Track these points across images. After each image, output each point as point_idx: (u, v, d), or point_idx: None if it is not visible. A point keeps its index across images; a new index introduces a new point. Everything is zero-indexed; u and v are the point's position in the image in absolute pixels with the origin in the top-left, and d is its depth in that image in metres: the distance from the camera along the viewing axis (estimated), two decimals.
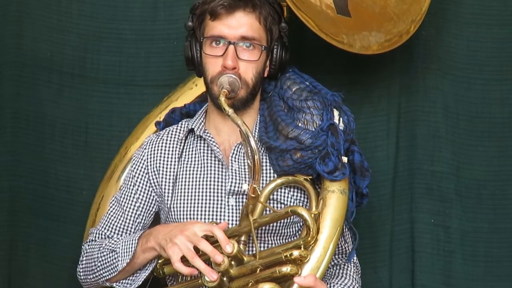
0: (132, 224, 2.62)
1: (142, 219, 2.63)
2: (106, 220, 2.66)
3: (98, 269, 2.56)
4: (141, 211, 2.62)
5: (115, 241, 2.56)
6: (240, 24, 2.46)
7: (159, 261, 2.50)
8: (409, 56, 2.98)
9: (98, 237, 2.64)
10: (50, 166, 3.10)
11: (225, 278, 2.36)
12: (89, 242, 2.66)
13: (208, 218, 2.52)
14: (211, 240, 2.34)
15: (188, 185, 2.57)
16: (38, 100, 3.10)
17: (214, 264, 2.31)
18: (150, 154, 2.63)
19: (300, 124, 2.46)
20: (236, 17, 2.46)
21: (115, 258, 2.51)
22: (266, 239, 2.52)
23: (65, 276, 3.06)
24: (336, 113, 2.49)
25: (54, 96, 3.10)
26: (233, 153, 2.54)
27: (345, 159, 2.46)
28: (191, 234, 2.34)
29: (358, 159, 2.51)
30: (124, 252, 2.50)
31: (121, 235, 2.61)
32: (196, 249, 2.33)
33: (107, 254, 2.54)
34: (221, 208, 2.53)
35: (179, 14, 3.04)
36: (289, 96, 2.53)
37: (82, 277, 2.64)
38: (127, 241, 2.51)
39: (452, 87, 3.02)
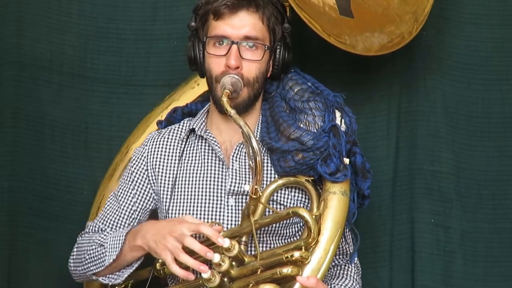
0: (127, 219, 2.63)
1: (138, 215, 2.63)
2: (102, 214, 2.67)
3: (86, 261, 2.56)
4: (137, 207, 2.63)
5: (105, 235, 2.57)
6: (243, 24, 2.46)
7: (159, 261, 2.50)
8: (410, 56, 2.98)
9: (93, 230, 2.65)
10: (50, 166, 3.11)
11: (226, 279, 2.36)
12: (83, 234, 2.68)
13: (207, 218, 2.52)
14: (208, 242, 2.34)
15: (188, 184, 2.57)
16: (38, 100, 3.10)
17: (214, 265, 2.31)
18: (151, 151, 2.64)
19: (302, 125, 2.46)
20: (240, 16, 2.46)
21: (103, 253, 2.52)
22: (266, 239, 2.52)
23: (65, 276, 3.04)
24: (338, 114, 2.49)
25: (54, 96, 3.10)
26: (235, 153, 2.54)
27: (346, 160, 2.46)
28: (179, 235, 2.33)
29: (360, 161, 2.51)
30: (111, 248, 2.50)
31: (115, 229, 2.62)
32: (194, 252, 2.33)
33: (95, 248, 2.55)
34: (220, 208, 2.53)
35: (179, 14, 3.05)
36: (291, 97, 2.53)
37: (72, 268, 2.66)
38: (115, 237, 2.51)
39: (452, 87, 3.02)
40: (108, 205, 2.67)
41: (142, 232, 2.44)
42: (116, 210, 2.64)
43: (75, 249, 2.65)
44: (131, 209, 2.63)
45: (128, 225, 2.62)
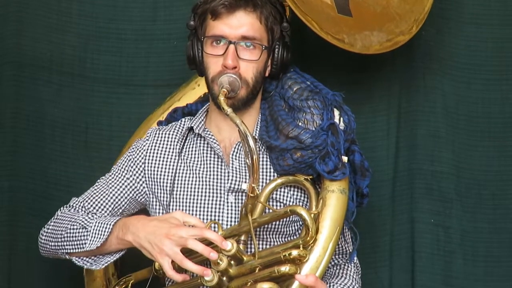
0: (112, 204, 2.63)
1: (124, 203, 2.64)
2: (89, 193, 2.67)
3: (63, 239, 2.56)
4: (126, 194, 2.63)
5: (89, 217, 2.55)
6: (241, 23, 2.47)
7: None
8: (410, 56, 2.98)
9: (77, 206, 2.65)
10: (50, 166, 3.11)
11: (224, 278, 2.36)
12: (64, 208, 2.68)
13: (207, 215, 2.52)
14: (206, 242, 2.33)
15: (188, 181, 2.56)
16: (38, 100, 3.11)
17: (212, 263, 2.31)
18: (151, 147, 2.64)
19: (300, 124, 2.46)
20: (237, 16, 2.47)
21: (83, 236, 2.51)
22: (266, 237, 2.52)
23: (65, 276, 3.06)
24: (336, 112, 2.49)
25: (54, 96, 3.11)
26: (234, 151, 2.54)
27: (345, 158, 2.46)
28: (177, 239, 2.31)
29: (358, 159, 2.51)
30: (95, 234, 2.49)
31: (99, 211, 2.62)
32: (191, 251, 2.32)
33: (77, 229, 2.53)
34: (220, 205, 2.52)
35: (179, 14, 3.06)
36: (290, 95, 2.53)
37: (43, 241, 2.65)
38: (101, 223, 2.49)
39: (452, 87, 3.02)
40: (97, 186, 2.68)
41: (133, 228, 2.42)
42: (104, 193, 2.64)
43: (51, 223, 2.64)
44: (118, 195, 2.63)
45: (112, 210, 2.63)
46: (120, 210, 2.64)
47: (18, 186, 3.11)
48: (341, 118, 2.49)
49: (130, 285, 2.75)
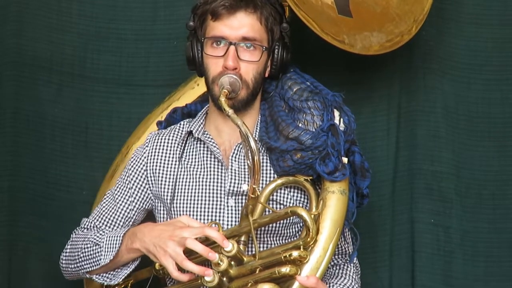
0: (122, 218, 2.63)
1: (134, 215, 2.64)
2: (98, 211, 2.67)
3: (80, 259, 2.56)
4: (134, 206, 2.63)
5: (100, 234, 2.56)
6: (241, 24, 2.46)
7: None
8: (409, 56, 2.98)
9: (88, 226, 2.66)
10: (50, 166, 3.11)
11: (224, 278, 2.36)
12: (77, 230, 2.68)
13: (207, 219, 2.51)
14: (207, 242, 2.33)
15: (188, 185, 2.56)
16: (38, 100, 3.10)
17: (213, 264, 2.31)
18: (151, 153, 2.63)
19: (300, 125, 2.45)
20: (237, 17, 2.46)
21: (98, 252, 2.52)
22: (266, 239, 2.52)
23: None
24: (336, 113, 2.48)
25: (54, 96, 3.11)
26: (233, 153, 2.54)
27: (345, 159, 2.46)
28: (180, 239, 2.32)
29: (358, 160, 2.50)
30: (108, 248, 2.50)
31: (110, 227, 2.62)
32: (191, 252, 2.33)
33: (90, 247, 2.54)
34: (220, 208, 2.52)
35: (179, 14, 3.05)
36: (289, 96, 2.53)
37: (64, 265, 2.66)
38: (112, 237, 2.50)
39: (452, 87, 3.02)
40: (104, 203, 2.67)
41: (140, 234, 2.43)
42: (112, 209, 2.64)
43: (68, 246, 2.65)
44: (127, 208, 2.63)
45: (123, 224, 2.63)
46: (131, 222, 2.64)
47: (18, 186, 3.12)
48: (341, 119, 2.49)
49: (129, 285, 2.74)
